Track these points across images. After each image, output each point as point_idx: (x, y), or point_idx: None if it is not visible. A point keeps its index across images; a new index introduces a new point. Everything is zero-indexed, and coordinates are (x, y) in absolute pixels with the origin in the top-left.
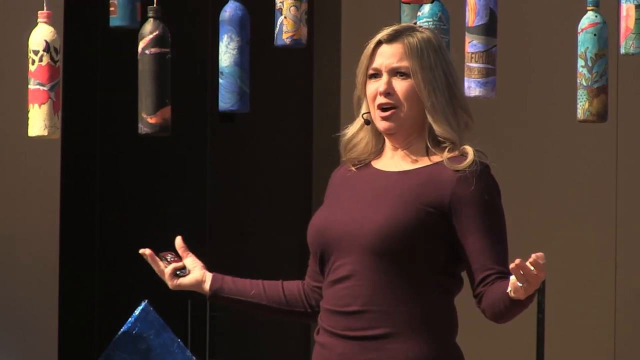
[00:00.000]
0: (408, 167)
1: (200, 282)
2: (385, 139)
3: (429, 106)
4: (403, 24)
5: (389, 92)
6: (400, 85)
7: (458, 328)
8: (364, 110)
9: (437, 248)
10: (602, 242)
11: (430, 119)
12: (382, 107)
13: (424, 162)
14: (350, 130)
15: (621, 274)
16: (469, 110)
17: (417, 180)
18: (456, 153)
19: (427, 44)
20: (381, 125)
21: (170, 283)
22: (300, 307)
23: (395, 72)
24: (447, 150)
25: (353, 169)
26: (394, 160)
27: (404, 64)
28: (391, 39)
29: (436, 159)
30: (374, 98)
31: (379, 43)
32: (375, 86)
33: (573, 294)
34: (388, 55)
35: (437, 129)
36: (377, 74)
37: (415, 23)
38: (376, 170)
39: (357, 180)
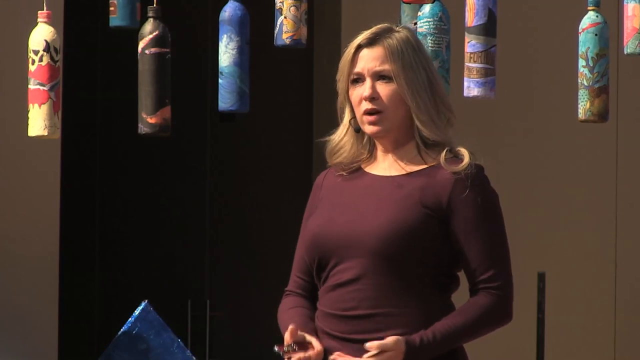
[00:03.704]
0: (405, 171)
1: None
2: (376, 143)
3: (414, 107)
4: (380, 25)
5: (374, 97)
6: (385, 89)
7: None
8: (348, 115)
9: (440, 250)
10: (602, 242)
11: (416, 121)
12: (368, 112)
13: (419, 164)
14: (337, 135)
15: (621, 274)
16: (450, 105)
17: (416, 183)
18: (451, 155)
19: (407, 44)
20: (369, 129)
21: None
22: None
23: (378, 76)
24: (445, 151)
25: (344, 173)
26: (387, 165)
27: (386, 67)
28: (371, 42)
29: (431, 161)
30: (359, 103)
31: (359, 47)
32: (359, 91)
33: (573, 294)
34: (370, 59)
35: (424, 130)
36: (359, 79)
37: (415, 24)
38: (372, 175)
39: (352, 185)
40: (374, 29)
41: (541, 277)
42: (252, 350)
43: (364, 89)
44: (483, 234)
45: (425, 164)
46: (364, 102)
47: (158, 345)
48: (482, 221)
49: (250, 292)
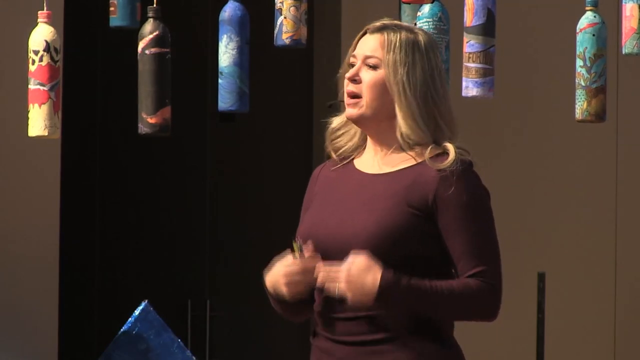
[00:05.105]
0: (392, 169)
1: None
2: (368, 137)
3: (397, 102)
4: (400, 22)
5: (354, 80)
6: (367, 75)
7: (454, 323)
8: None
9: (430, 249)
10: (602, 242)
11: (397, 115)
12: (349, 95)
13: (408, 161)
14: (337, 119)
15: (621, 274)
16: (453, 125)
17: (403, 182)
18: (439, 151)
19: (410, 43)
20: (347, 112)
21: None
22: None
23: (366, 62)
24: (430, 148)
25: (339, 164)
26: (377, 161)
27: (376, 55)
28: (375, 30)
29: (419, 158)
30: (345, 85)
31: (365, 33)
32: (348, 73)
33: (573, 294)
34: (365, 45)
35: (402, 126)
36: (353, 64)
37: (415, 24)
38: (361, 172)
39: (343, 183)
40: (388, 22)
41: (541, 277)
42: (252, 350)
43: (351, 70)
44: (469, 231)
45: (415, 160)
46: (346, 81)
47: (158, 345)
48: (467, 219)
49: (250, 292)
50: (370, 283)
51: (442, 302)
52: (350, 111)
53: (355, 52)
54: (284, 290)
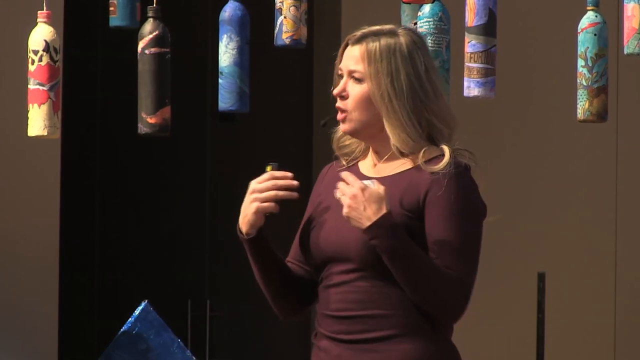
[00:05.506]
0: (390, 173)
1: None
2: None
3: (384, 113)
4: (380, 27)
5: (342, 95)
6: (353, 89)
7: (452, 326)
8: None
9: (426, 250)
10: (602, 242)
11: (387, 128)
12: (338, 110)
13: (405, 165)
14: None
15: (621, 274)
16: (450, 120)
17: (399, 186)
18: (435, 154)
19: (391, 49)
20: (340, 126)
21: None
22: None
23: (351, 76)
24: (423, 151)
25: (345, 165)
26: (376, 165)
27: (359, 68)
28: (356, 41)
29: (416, 161)
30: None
31: (347, 44)
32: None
33: (573, 294)
34: (348, 58)
35: (392, 137)
36: (342, 75)
37: (415, 23)
38: (362, 175)
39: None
40: (366, 30)
41: (541, 277)
42: (252, 350)
43: (338, 86)
44: (451, 230)
45: (412, 164)
46: (337, 98)
47: (158, 345)
48: (452, 220)
49: (250, 292)
50: (371, 212)
51: (422, 269)
52: (342, 126)
53: (340, 66)
54: (252, 210)
